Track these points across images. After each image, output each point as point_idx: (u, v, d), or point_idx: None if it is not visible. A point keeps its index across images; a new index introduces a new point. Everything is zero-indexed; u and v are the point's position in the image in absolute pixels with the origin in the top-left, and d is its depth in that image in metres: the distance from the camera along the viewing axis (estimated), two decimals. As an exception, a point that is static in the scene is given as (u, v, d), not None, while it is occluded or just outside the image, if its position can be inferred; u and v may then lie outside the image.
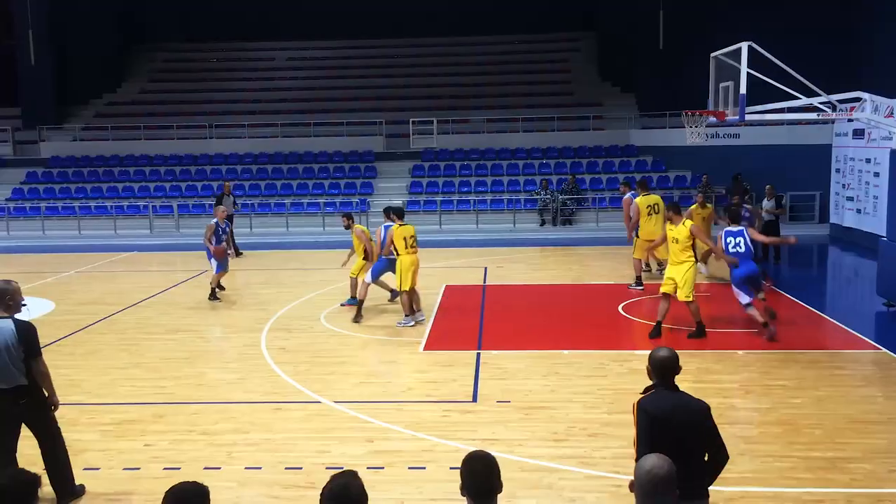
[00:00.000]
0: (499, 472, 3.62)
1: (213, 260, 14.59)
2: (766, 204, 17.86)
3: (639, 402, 4.53)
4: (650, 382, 4.64)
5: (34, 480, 3.59)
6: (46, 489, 6.65)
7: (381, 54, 35.96)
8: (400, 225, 12.32)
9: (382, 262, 12.94)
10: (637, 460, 4.25)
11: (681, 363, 4.70)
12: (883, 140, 18.10)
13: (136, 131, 30.67)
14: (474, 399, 8.99)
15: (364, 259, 13.51)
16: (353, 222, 13.72)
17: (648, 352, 4.73)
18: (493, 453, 3.74)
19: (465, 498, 3.61)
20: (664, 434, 4.33)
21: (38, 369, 6.47)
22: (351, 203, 26.38)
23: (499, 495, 3.60)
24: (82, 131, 31.71)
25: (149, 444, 7.81)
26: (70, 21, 32.66)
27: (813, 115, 14.25)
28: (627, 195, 16.00)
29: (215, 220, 14.73)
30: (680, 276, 11.15)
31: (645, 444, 4.36)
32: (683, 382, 9.16)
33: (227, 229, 15.48)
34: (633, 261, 15.34)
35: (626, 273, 15.94)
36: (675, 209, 11.61)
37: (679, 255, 11.21)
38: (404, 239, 12.21)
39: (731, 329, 11.85)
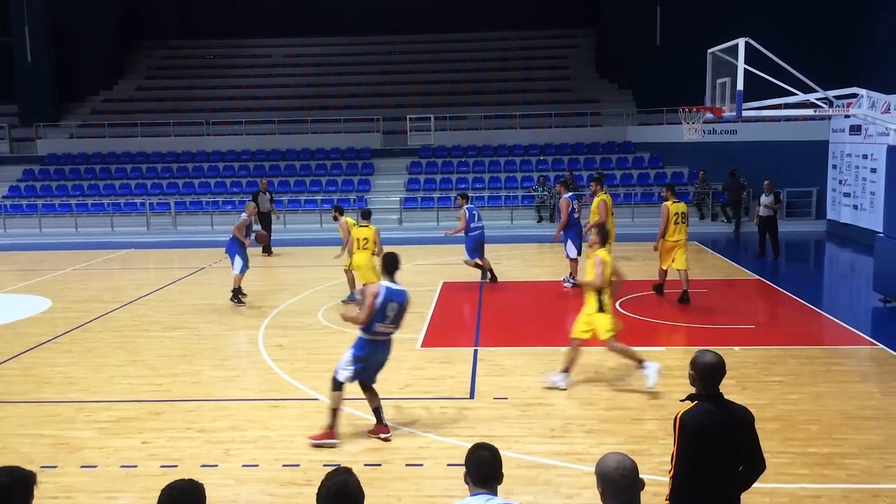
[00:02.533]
0: (501, 463, 3.68)
1: (235, 258, 13.80)
2: (765, 199, 17.89)
3: (680, 416, 4.21)
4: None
5: (30, 476, 3.58)
6: (43, 487, 6.65)
7: (378, 51, 35.93)
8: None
9: (470, 240, 14.46)
10: (674, 478, 4.23)
11: (686, 360, 4.53)
12: (880, 136, 18.12)
13: (133, 128, 30.61)
14: (471, 396, 8.99)
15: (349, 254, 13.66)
16: (340, 215, 14.14)
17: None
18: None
19: (467, 486, 3.67)
20: (708, 450, 4.15)
21: None
22: (348, 200, 26.39)
23: (498, 487, 3.67)
24: (79, 128, 31.65)
25: (146, 442, 7.80)
26: (67, 18, 32.60)
27: (810, 112, 14.27)
28: (566, 196, 14.82)
29: (245, 214, 14.24)
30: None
31: (684, 463, 4.18)
32: (680, 378, 9.17)
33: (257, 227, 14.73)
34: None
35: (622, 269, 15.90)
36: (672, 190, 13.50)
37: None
38: (357, 240, 13.21)
39: (728, 325, 11.87)
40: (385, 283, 7.52)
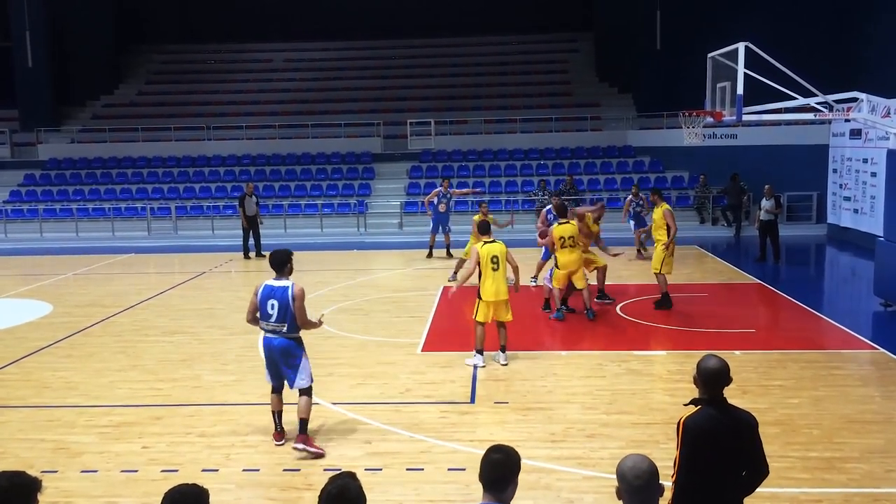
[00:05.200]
0: (515, 468, 3.64)
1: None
2: (765, 203, 17.90)
3: (684, 421, 4.24)
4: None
5: (33, 482, 3.57)
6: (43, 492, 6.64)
7: (378, 55, 35.98)
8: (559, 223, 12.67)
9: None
10: (676, 482, 4.25)
11: (686, 364, 4.55)
12: (880, 140, 18.14)
13: (133, 133, 30.63)
14: (472, 400, 8.99)
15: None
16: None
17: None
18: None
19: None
20: (710, 455, 4.17)
21: None
22: (349, 205, 26.41)
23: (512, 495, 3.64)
24: (80, 133, 31.68)
25: (146, 447, 7.80)
26: (68, 22, 32.65)
27: (810, 116, 14.27)
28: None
29: (548, 208, 14.46)
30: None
31: (687, 467, 4.20)
32: (681, 382, 9.19)
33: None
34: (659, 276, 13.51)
35: (623, 273, 15.93)
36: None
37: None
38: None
39: (729, 329, 11.86)
40: None
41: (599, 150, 28.74)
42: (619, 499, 3.57)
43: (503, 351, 10.40)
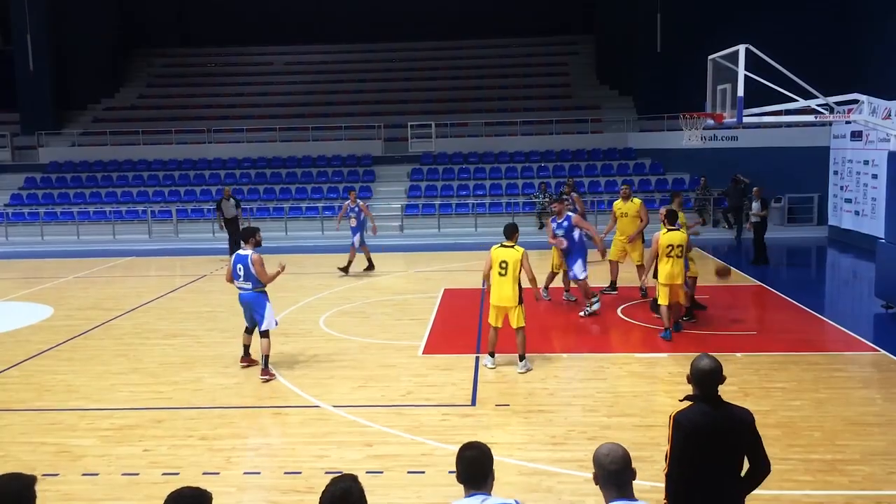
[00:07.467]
0: (490, 461, 3.74)
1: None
2: (754, 206, 17.90)
3: (675, 416, 4.30)
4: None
5: (30, 483, 3.56)
6: (44, 495, 6.64)
7: (379, 58, 36.02)
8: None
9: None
10: (668, 476, 4.31)
11: (688, 367, 4.56)
12: (881, 142, 18.14)
13: (134, 136, 30.68)
14: (473, 403, 8.98)
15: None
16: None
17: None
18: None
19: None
20: (702, 450, 4.20)
21: None
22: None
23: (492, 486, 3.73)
24: (81, 137, 31.71)
25: (147, 450, 7.79)
26: (68, 26, 32.69)
27: (811, 118, 14.27)
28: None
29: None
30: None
31: (678, 460, 4.25)
32: (682, 384, 9.17)
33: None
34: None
35: (624, 276, 15.91)
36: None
37: None
38: None
39: (730, 332, 11.86)
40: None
41: (600, 153, 28.77)
42: (597, 483, 3.71)
43: (520, 359, 10.10)
